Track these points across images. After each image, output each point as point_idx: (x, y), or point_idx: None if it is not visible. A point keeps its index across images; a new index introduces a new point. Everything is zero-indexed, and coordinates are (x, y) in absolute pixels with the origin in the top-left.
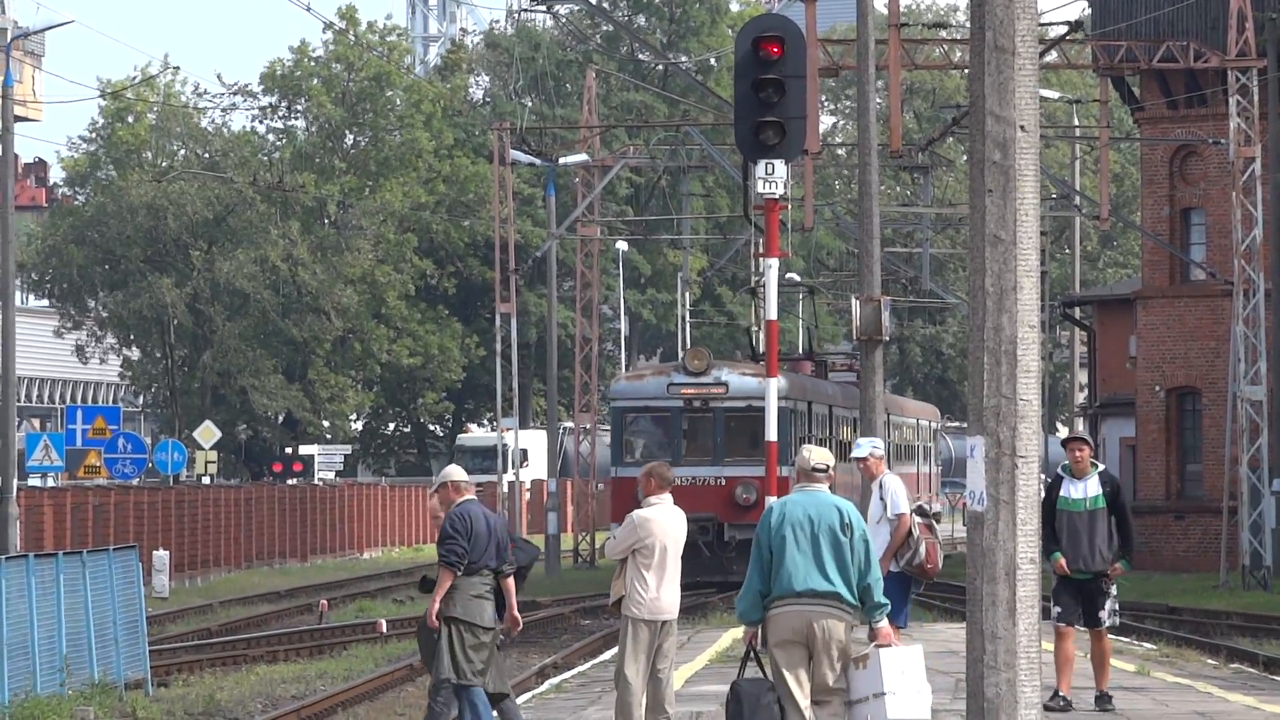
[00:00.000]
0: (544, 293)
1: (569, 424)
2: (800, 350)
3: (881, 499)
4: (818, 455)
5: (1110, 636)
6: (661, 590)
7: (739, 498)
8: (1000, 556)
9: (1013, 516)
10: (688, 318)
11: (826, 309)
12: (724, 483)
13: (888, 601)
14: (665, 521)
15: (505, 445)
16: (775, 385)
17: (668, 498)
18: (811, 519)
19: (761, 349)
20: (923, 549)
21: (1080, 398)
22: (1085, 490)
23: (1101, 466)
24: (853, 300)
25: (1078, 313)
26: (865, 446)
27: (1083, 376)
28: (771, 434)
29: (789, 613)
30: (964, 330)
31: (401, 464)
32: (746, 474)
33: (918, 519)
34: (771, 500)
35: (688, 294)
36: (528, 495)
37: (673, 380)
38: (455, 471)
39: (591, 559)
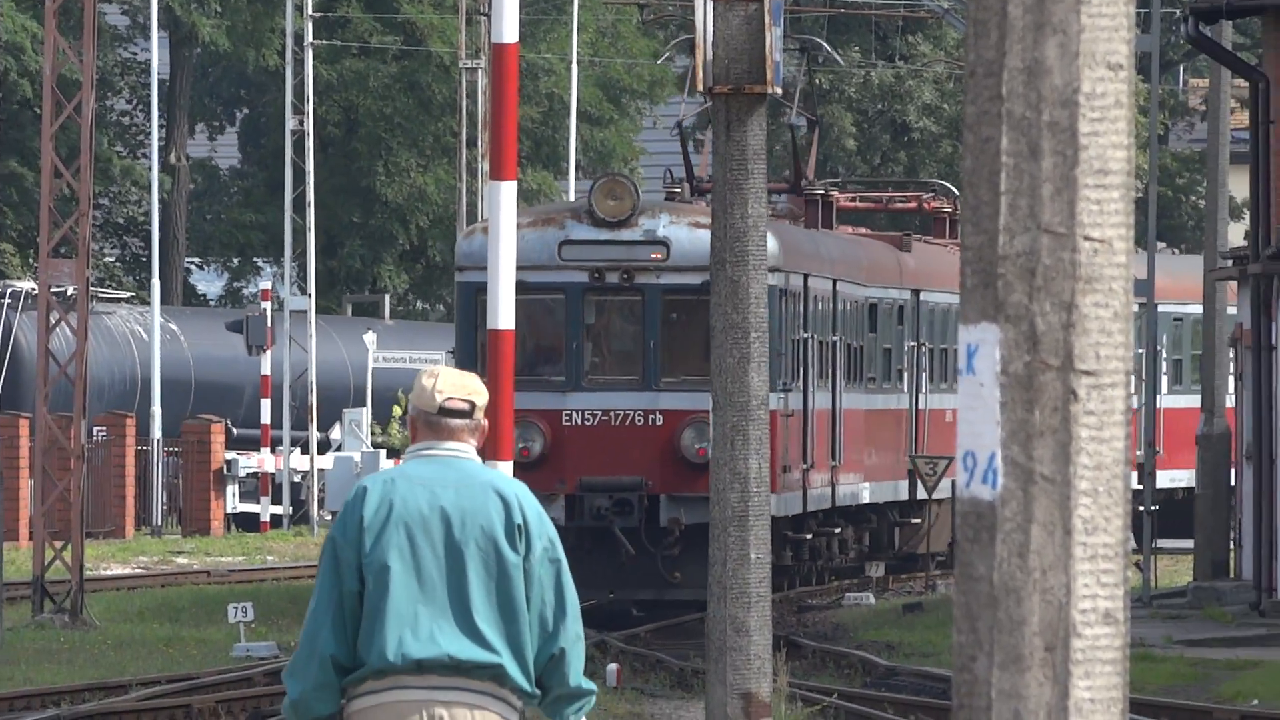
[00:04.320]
0: None
1: (26, 286)
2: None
3: None
4: (451, 382)
5: None
6: None
7: (686, 449)
8: (1034, 605)
9: (1064, 512)
10: (309, 36)
11: (638, 21)
12: (660, 421)
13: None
14: None
15: None
16: (508, 195)
17: None
18: (447, 517)
19: (700, 173)
20: None
21: (1232, 236)
22: None
23: None
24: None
25: (1228, 34)
26: None
27: (1239, 188)
28: (504, 317)
29: (394, 706)
30: (958, 76)
31: None
32: (702, 407)
33: None
34: (369, 479)
35: None
36: None
37: (569, 236)
38: None
39: (76, 607)
